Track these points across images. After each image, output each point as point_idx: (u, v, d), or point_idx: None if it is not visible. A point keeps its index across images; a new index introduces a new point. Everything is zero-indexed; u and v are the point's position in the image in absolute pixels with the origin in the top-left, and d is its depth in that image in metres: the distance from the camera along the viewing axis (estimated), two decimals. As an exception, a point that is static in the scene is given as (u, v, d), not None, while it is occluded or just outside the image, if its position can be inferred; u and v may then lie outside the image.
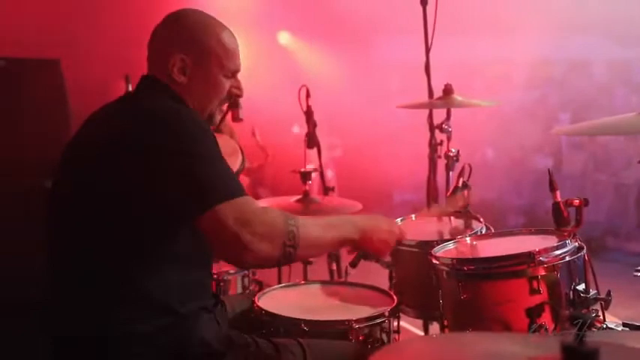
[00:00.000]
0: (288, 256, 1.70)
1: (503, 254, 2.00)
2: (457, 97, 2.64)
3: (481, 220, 2.50)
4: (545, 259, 1.95)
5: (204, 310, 1.89)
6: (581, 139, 6.86)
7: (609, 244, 6.06)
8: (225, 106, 2.06)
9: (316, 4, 5.90)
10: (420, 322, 2.98)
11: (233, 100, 2.03)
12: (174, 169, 1.66)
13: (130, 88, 2.95)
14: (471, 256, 2.19)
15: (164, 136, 1.69)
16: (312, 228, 1.76)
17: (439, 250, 2.20)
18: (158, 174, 1.67)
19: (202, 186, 1.64)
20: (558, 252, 1.98)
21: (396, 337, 2.35)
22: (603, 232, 6.10)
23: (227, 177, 1.70)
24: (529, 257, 1.94)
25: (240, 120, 2.83)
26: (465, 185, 2.56)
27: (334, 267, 3.16)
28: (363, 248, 1.99)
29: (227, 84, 1.96)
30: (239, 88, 2.00)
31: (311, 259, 3.08)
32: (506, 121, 6.94)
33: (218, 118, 2.03)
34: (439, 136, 2.97)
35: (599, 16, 6.16)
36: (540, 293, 1.93)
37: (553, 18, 6.29)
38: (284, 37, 6.42)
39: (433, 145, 2.95)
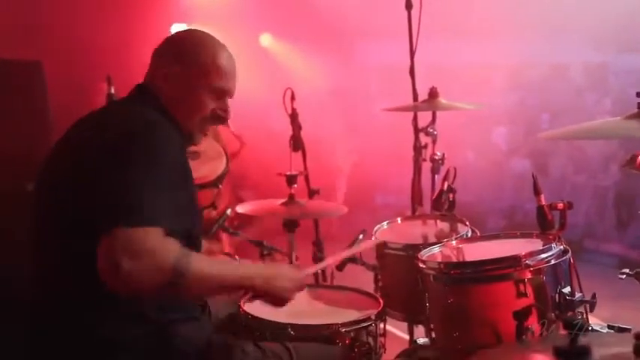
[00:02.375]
0: (172, 292, 1.62)
1: (490, 258, 2.02)
2: (442, 100, 2.65)
3: (467, 223, 2.52)
4: (532, 263, 1.96)
5: (191, 319, 1.87)
6: (560, 142, 6.94)
7: (587, 245, 6.14)
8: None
9: (299, 7, 5.90)
10: (405, 325, 2.99)
11: (218, 121, 2.00)
12: (107, 179, 1.64)
13: (112, 90, 2.92)
14: (457, 260, 2.20)
15: (122, 146, 1.69)
16: (206, 267, 1.68)
17: (425, 254, 2.21)
18: (97, 181, 1.66)
19: (118, 206, 1.60)
20: (544, 255, 2.00)
21: (382, 340, 2.36)
22: (582, 233, 6.18)
23: (148, 204, 1.61)
24: (515, 261, 1.96)
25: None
26: (451, 189, 2.58)
27: (319, 271, 3.15)
28: (262, 294, 1.89)
29: (212, 104, 1.93)
30: (225, 110, 1.97)
31: (296, 263, 3.07)
32: (487, 124, 7.01)
33: (199, 137, 1.99)
34: (423, 139, 2.98)
35: (577, 21, 6.25)
36: (527, 296, 1.94)
37: (532, 22, 6.36)
38: (266, 40, 6.42)
39: (418, 148, 2.96)
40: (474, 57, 6.86)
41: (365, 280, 2.67)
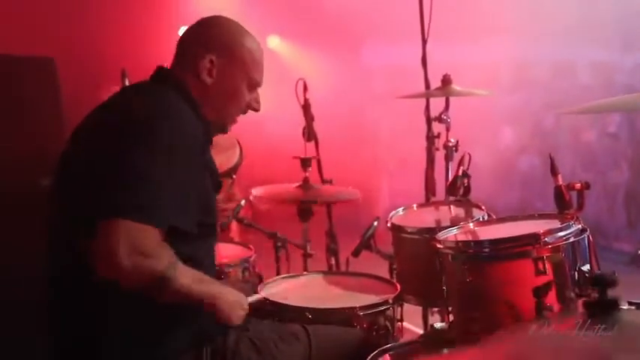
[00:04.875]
0: (152, 294, 1.61)
1: (508, 236, 2.01)
2: (455, 86, 2.66)
3: (482, 207, 2.51)
4: (550, 240, 1.96)
5: None
6: (567, 140, 6.94)
7: (598, 243, 6.10)
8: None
9: (306, 9, 5.93)
10: (418, 317, 2.99)
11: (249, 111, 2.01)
12: (120, 164, 1.63)
13: (127, 83, 2.93)
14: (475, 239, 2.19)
15: (138, 129, 1.67)
16: (187, 281, 1.65)
17: (442, 236, 2.21)
18: (110, 165, 1.64)
19: (125, 194, 1.59)
20: (562, 233, 1.99)
21: (400, 324, 2.36)
22: (592, 231, 6.15)
23: (157, 200, 1.60)
24: (534, 238, 1.95)
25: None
26: (465, 174, 2.57)
27: (333, 261, 3.16)
28: (216, 312, 1.78)
29: (248, 96, 1.95)
30: (258, 102, 1.99)
31: (311, 252, 3.08)
32: (493, 123, 7.01)
33: (229, 127, 2.01)
34: (436, 129, 2.99)
35: (582, 19, 6.26)
36: (546, 274, 1.93)
37: (537, 21, 6.38)
38: (273, 41, 6.44)
39: (430, 138, 2.97)
40: (479, 56, 6.88)
41: (380, 269, 2.67)
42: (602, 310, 1.04)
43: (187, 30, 1.96)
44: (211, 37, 1.91)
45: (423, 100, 3.16)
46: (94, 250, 1.55)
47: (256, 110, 2.01)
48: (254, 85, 1.96)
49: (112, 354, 1.69)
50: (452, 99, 2.96)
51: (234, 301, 1.78)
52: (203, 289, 1.70)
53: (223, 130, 1.99)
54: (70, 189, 1.75)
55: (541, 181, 6.59)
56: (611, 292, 1.09)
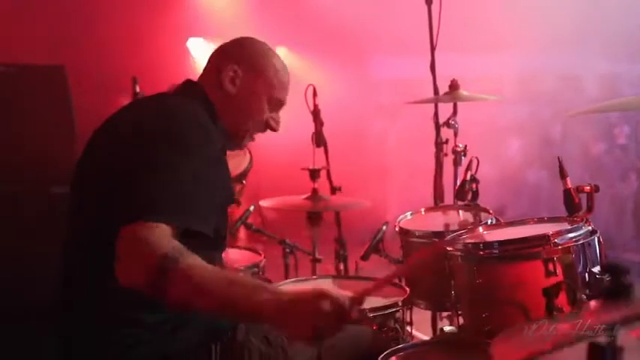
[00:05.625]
0: (158, 290, 1.47)
1: (518, 237, 2.02)
2: (463, 92, 2.67)
3: (490, 212, 2.52)
4: (560, 242, 1.96)
5: None
6: (575, 152, 6.93)
7: (606, 254, 6.07)
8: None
9: (313, 21, 5.97)
10: (429, 319, 2.98)
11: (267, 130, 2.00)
12: (138, 170, 1.61)
13: (138, 90, 2.97)
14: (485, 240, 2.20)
15: (162, 136, 1.67)
16: (199, 273, 1.48)
17: (452, 239, 2.21)
18: (129, 171, 1.62)
19: (146, 198, 1.56)
20: (572, 235, 2.00)
21: (409, 328, 2.36)
22: (600, 242, 6.12)
23: (174, 199, 1.57)
24: (544, 239, 1.96)
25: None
26: (474, 179, 2.59)
27: (342, 267, 3.16)
28: (276, 325, 1.56)
29: (267, 113, 1.95)
30: (277, 122, 1.99)
31: (319, 257, 3.08)
32: (500, 136, 7.01)
33: (246, 142, 2.00)
34: (444, 134, 3.00)
35: (589, 31, 6.28)
36: (556, 275, 1.94)
37: (543, 33, 6.40)
38: (281, 53, 6.48)
39: (439, 144, 2.98)
40: (486, 67, 6.90)
41: (387, 273, 2.66)
42: (616, 295, 1.04)
43: (219, 47, 2.00)
44: (239, 52, 1.94)
45: (431, 109, 3.18)
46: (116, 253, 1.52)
47: (274, 130, 2.00)
48: (276, 104, 1.97)
49: (122, 350, 1.69)
50: (459, 112, 2.98)
51: (308, 304, 1.49)
52: (249, 284, 1.52)
53: (239, 145, 2.00)
54: (90, 195, 1.75)
55: (548, 192, 6.59)
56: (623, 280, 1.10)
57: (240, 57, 1.92)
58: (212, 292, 1.48)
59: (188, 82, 1.95)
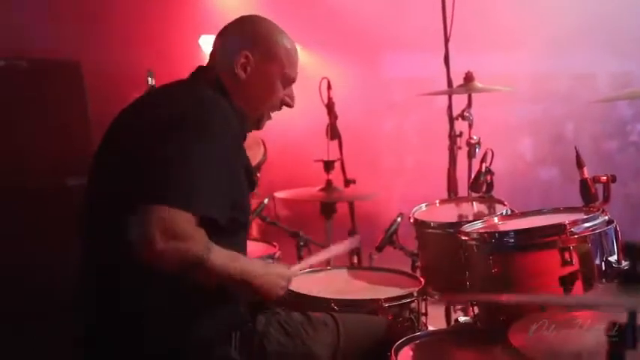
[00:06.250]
0: (191, 273, 1.63)
1: (534, 226, 2.01)
2: (478, 83, 2.67)
3: (505, 203, 2.51)
4: (577, 231, 1.95)
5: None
6: (588, 151, 6.89)
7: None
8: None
9: (325, 18, 5.98)
10: (443, 312, 2.98)
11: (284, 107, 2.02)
12: (160, 155, 1.64)
13: (153, 83, 2.98)
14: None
15: (179, 122, 1.69)
16: (221, 260, 1.66)
17: (467, 229, 2.21)
18: (149, 157, 1.66)
19: (165, 183, 1.61)
20: (589, 224, 1.98)
21: (424, 319, 2.36)
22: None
23: (194, 188, 1.63)
24: (560, 228, 1.94)
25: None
26: (489, 170, 2.58)
27: (355, 260, 3.16)
28: (256, 290, 1.79)
29: (282, 92, 1.97)
30: (292, 98, 2.01)
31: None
32: (512, 134, 6.99)
33: (264, 123, 2.02)
34: (458, 127, 3.00)
35: (601, 30, 6.25)
36: (572, 264, 1.92)
37: (557, 32, 6.37)
38: (293, 51, 6.48)
39: (453, 137, 2.97)
40: (499, 66, 6.88)
41: (403, 266, 2.67)
42: (635, 279, 1.04)
43: (224, 28, 1.99)
44: (247, 34, 1.94)
45: (445, 102, 3.18)
46: (134, 240, 1.57)
47: (290, 106, 2.02)
48: (288, 81, 1.97)
49: (142, 339, 1.70)
50: (473, 112, 2.99)
51: (273, 275, 1.81)
52: (238, 267, 1.71)
53: (258, 125, 2.01)
54: (109, 179, 1.78)
55: (559, 190, 6.55)
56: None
57: (250, 41, 1.92)
58: (228, 280, 1.69)
59: (201, 69, 1.96)
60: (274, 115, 2.02)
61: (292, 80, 1.99)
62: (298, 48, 2.00)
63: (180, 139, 1.66)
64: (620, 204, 6.66)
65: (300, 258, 3.07)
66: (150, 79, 2.93)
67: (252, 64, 1.90)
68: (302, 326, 1.89)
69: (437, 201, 2.69)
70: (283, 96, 1.97)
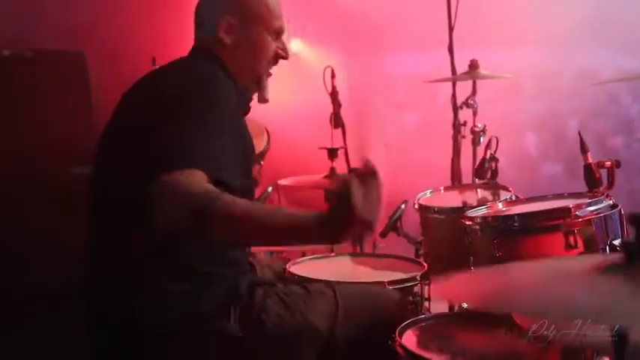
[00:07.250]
0: (203, 227, 1.48)
1: (538, 210, 2.01)
2: (482, 70, 2.67)
3: (510, 189, 2.51)
4: (581, 214, 1.95)
5: (240, 273, 1.89)
6: (592, 147, 6.86)
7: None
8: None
9: (329, 13, 5.98)
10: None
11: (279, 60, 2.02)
12: (161, 129, 1.63)
13: (157, 69, 2.98)
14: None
15: (176, 96, 1.69)
16: (242, 204, 1.51)
17: (471, 214, 2.20)
18: (152, 132, 1.64)
19: (175, 151, 1.57)
20: (593, 208, 1.98)
21: (427, 304, 2.36)
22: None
23: (206, 148, 1.60)
24: (564, 212, 1.95)
25: (266, 101, 2.86)
26: (493, 157, 2.58)
27: (358, 248, 3.15)
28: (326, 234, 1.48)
29: (273, 45, 1.96)
30: (284, 49, 2.00)
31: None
32: (516, 130, 6.98)
33: (266, 81, 2.01)
34: (462, 116, 3.00)
35: (606, 27, 6.23)
36: (576, 248, 1.92)
37: (561, 28, 6.36)
38: (296, 45, 6.50)
39: (457, 126, 2.97)
40: (503, 63, 6.86)
41: (406, 253, 2.66)
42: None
43: (199, 2, 1.99)
44: (223, 1, 1.94)
45: (449, 93, 3.18)
46: (152, 199, 1.50)
47: (285, 58, 2.01)
48: (276, 32, 1.96)
49: (142, 313, 1.71)
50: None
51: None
52: (273, 213, 1.56)
53: (259, 85, 2.00)
54: (117, 156, 1.78)
55: (563, 188, 6.55)
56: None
57: (227, 6, 1.92)
58: (259, 219, 1.50)
59: (197, 47, 1.97)
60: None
61: (280, 30, 1.98)
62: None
63: (185, 112, 1.66)
64: (624, 200, 6.64)
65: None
66: (154, 66, 2.94)
67: (235, 28, 1.90)
68: (301, 298, 1.87)
69: (441, 187, 2.69)
70: (276, 49, 1.97)
